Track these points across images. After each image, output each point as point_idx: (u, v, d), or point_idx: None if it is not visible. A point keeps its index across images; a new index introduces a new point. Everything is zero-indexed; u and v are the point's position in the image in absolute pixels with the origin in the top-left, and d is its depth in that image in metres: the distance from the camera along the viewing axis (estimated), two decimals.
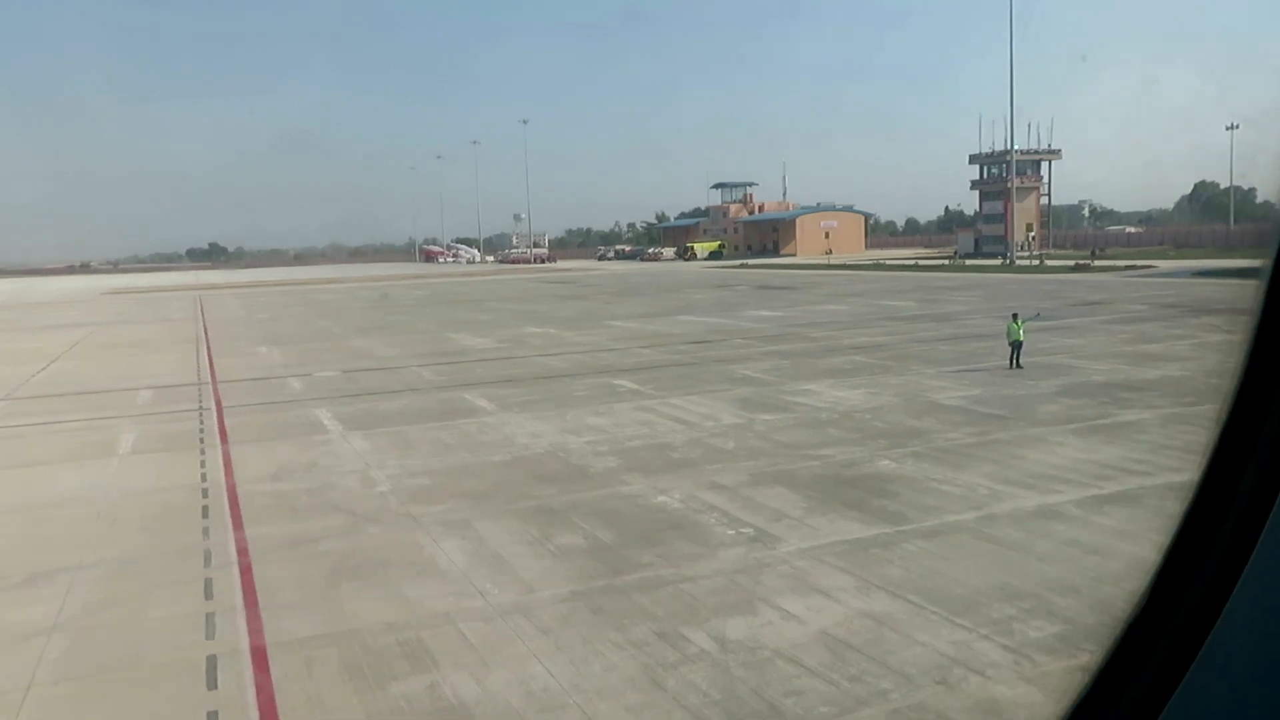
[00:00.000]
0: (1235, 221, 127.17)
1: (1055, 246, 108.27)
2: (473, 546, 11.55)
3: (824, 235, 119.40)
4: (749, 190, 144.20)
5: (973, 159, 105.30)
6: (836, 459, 15.22)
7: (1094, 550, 10.49)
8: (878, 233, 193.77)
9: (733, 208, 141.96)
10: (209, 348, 37.29)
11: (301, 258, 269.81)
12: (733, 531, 11.69)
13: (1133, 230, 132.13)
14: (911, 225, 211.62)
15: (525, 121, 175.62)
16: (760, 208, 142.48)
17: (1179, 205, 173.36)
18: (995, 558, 10.44)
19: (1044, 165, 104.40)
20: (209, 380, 27.73)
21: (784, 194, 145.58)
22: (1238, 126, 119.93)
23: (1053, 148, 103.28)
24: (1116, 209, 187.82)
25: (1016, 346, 23.52)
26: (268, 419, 21.01)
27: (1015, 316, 23.83)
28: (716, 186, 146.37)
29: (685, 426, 18.26)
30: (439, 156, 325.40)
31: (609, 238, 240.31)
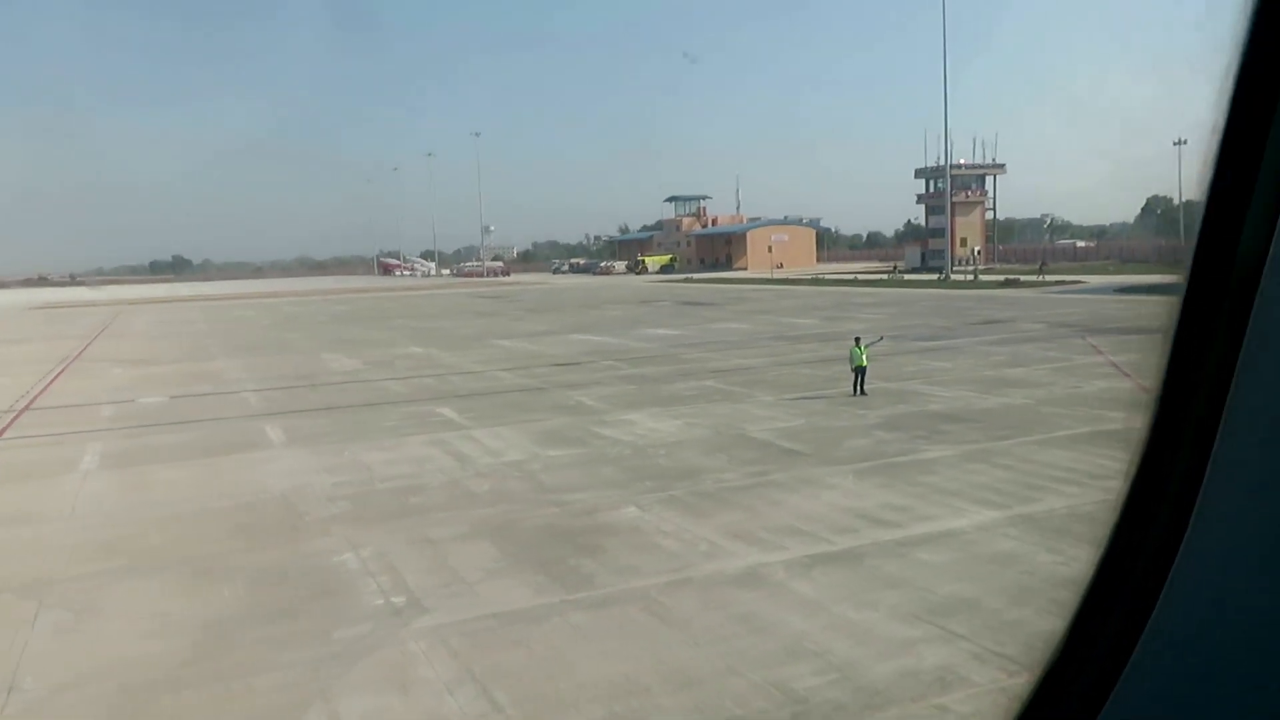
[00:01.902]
0: (1187, 235, 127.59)
1: (1001, 261, 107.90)
2: (71, 623, 9.97)
3: (759, 250, 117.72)
4: (702, 204, 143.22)
5: (918, 173, 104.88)
6: (582, 505, 13.77)
7: (761, 628, 9.08)
8: (838, 246, 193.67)
9: (685, 221, 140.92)
10: (65, 368, 35.39)
11: (262, 271, 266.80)
12: (382, 601, 10.18)
13: (1083, 244, 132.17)
14: (873, 238, 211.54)
15: (478, 134, 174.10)
16: (713, 221, 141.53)
17: (1139, 219, 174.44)
18: (643, 639, 9.00)
19: (989, 179, 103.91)
20: (23, 408, 25.92)
21: (737, 207, 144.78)
22: (1185, 141, 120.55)
23: (997, 162, 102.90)
24: (1083, 223, 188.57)
25: (860, 372, 22.22)
26: (31, 455, 19.33)
27: (858, 340, 22.55)
28: (669, 200, 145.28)
29: (459, 464, 16.77)
30: (395, 169, 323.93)
31: (575, 250, 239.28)
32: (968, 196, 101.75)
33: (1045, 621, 8.89)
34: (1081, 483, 13.71)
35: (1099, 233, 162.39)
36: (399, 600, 10.18)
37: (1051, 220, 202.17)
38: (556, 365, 30.82)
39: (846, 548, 11.34)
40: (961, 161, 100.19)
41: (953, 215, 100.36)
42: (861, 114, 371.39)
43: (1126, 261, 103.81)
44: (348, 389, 27.14)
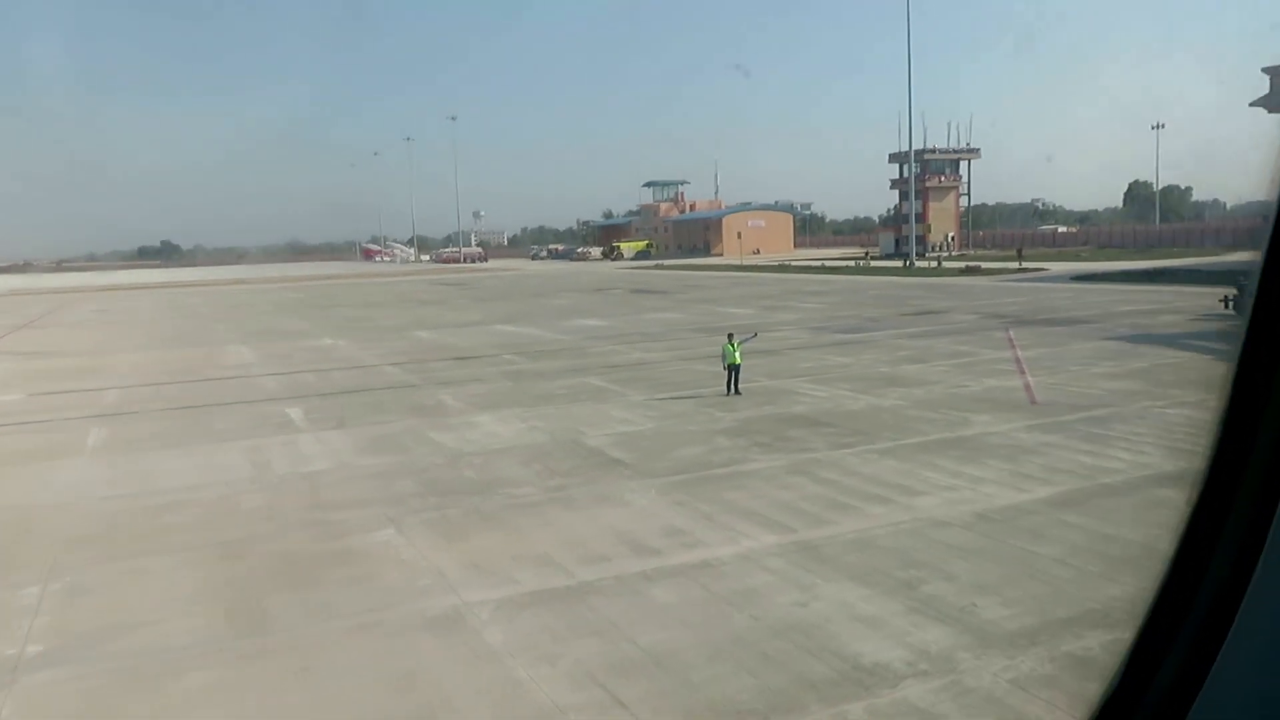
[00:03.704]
0: (1166, 220, 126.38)
1: (978, 246, 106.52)
2: None
3: (747, 235, 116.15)
4: (680, 189, 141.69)
5: (892, 158, 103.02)
6: (343, 525, 12.50)
7: (403, 690, 7.81)
8: (824, 231, 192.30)
9: (663, 206, 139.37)
10: None
11: (247, 257, 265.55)
12: (14, 651, 8.90)
13: (1064, 230, 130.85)
14: (860, 224, 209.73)
15: (454, 118, 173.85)
16: (691, 206, 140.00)
17: (1124, 204, 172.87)
18: (255, 705, 7.73)
19: (963, 164, 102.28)
20: None
21: (715, 192, 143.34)
22: (1164, 126, 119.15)
23: (971, 146, 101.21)
24: (1075, 208, 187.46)
25: (732, 370, 20.90)
26: None
27: (730, 337, 21.22)
28: (648, 185, 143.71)
29: (255, 474, 15.51)
30: (376, 153, 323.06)
31: (562, 236, 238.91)
32: (941, 181, 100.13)
33: (736, 681, 7.66)
34: (891, 501, 12.45)
35: (1082, 218, 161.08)
36: (34, 650, 8.90)
37: (1041, 205, 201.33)
38: (454, 359, 29.53)
39: (582, 582, 10.07)
40: (934, 146, 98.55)
41: (926, 201, 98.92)
42: (861, 100, 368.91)
43: (1103, 247, 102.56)
44: (218, 385, 25.83)
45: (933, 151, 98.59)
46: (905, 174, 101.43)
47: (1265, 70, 51.38)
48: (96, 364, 32.15)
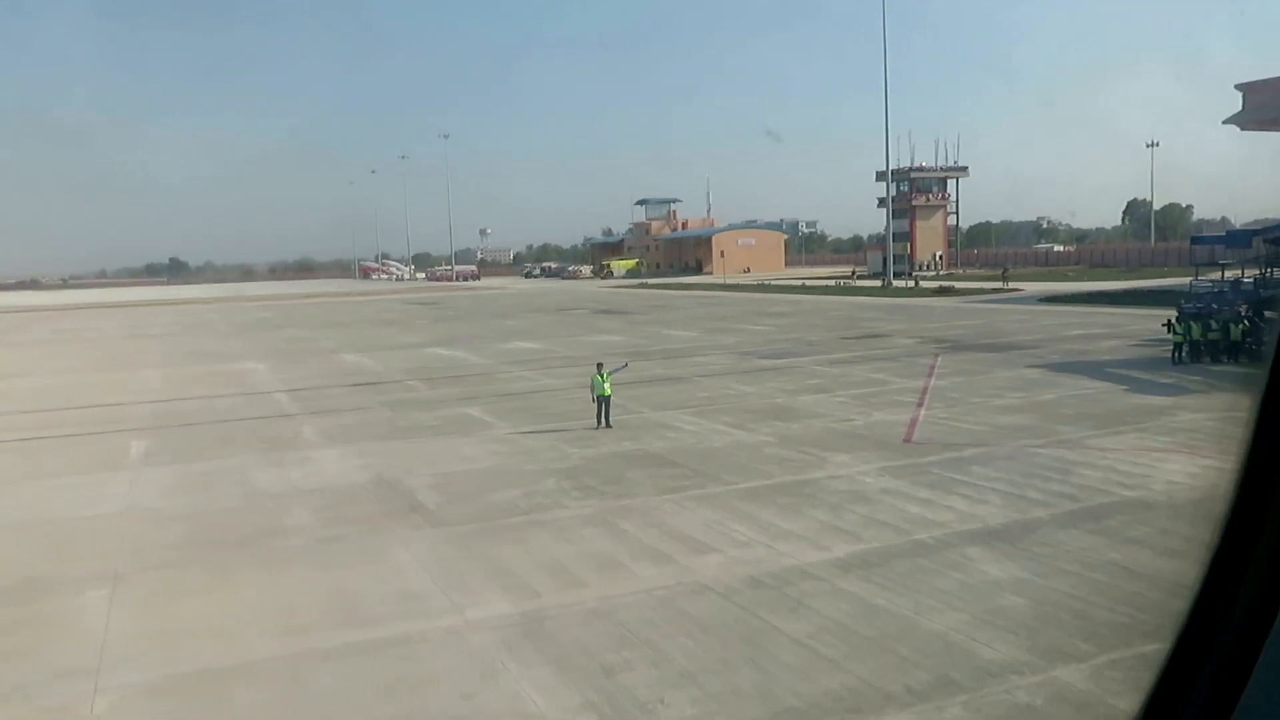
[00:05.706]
0: (1165, 239, 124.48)
1: (967, 265, 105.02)
2: None
3: (735, 253, 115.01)
4: (672, 207, 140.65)
5: (879, 176, 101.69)
6: (60, 581, 11.27)
7: None
8: (823, 249, 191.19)
9: (655, 224, 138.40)
10: None
11: (251, 274, 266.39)
12: None
13: (1060, 249, 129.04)
14: (859, 241, 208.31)
15: (446, 136, 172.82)
16: (684, 224, 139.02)
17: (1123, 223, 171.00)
18: None
19: (950, 183, 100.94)
20: None
21: (708, 210, 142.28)
22: (1158, 144, 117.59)
23: (959, 164, 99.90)
24: (1083, 226, 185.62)
25: (602, 401, 19.61)
26: None
27: (600, 368, 19.94)
28: (640, 203, 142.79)
29: (30, 515, 14.34)
30: (373, 171, 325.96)
31: (565, 254, 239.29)
32: (929, 200, 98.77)
33: None
34: (670, 560, 11.12)
35: (1080, 236, 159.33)
36: None
37: (1045, 223, 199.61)
38: (355, 385, 28.37)
39: (249, 662, 8.79)
40: (922, 164, 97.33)
41: (913, 219, 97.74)
42: (868, 116, 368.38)
43: (1096, 266, 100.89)
44: (94, 413, 24.69)
45: (920, 170, 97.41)
46: (894, 192, 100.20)
47: (1238, 87, 49.95)
48: (5, 388, 31.10)
